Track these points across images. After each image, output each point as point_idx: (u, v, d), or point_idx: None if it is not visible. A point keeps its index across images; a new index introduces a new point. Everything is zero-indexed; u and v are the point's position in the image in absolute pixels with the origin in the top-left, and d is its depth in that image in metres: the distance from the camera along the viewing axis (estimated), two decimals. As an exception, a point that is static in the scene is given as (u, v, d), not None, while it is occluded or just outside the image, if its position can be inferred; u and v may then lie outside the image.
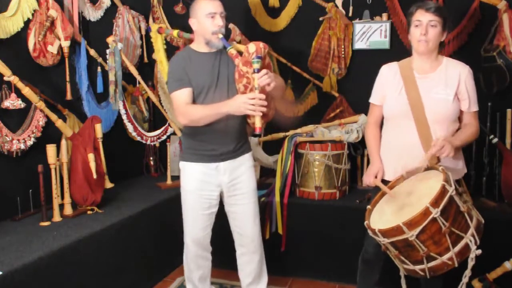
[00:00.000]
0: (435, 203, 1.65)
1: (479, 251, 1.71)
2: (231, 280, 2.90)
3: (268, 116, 2.29)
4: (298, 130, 3.21)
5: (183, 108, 2.14)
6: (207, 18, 2.14)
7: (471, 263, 1.73)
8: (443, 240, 1.69)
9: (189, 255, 2.38)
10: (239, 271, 2.47)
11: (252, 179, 2.37)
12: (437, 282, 2.26)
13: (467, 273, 1.77)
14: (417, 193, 1.84)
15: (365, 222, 1.87)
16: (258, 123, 1.96)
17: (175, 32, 3.08)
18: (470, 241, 1.72)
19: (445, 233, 1.67)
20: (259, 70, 1.96)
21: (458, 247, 1.71)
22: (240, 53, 2.14)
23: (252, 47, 1.99)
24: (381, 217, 1.87)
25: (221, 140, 2.23)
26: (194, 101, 2.20)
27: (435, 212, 1.64)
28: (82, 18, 2.99)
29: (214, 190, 2.29)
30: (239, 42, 3.25)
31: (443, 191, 1.67)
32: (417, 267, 1.78)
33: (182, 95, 2.15)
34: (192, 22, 2.22)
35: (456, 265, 1.72)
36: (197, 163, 2.26)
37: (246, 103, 1.96)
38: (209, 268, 2.46)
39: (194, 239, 2.33)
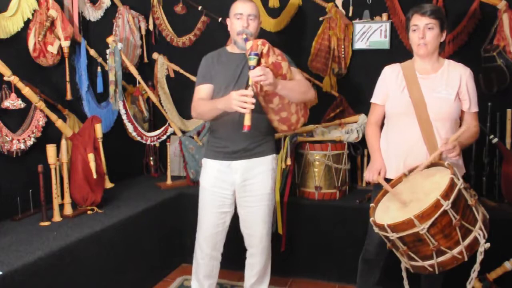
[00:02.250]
0: (446, 195, 1.65)
1: (488, 245, 1.72)
2: (231, 280, 2.90)
3: (290, 122, 2.26)
4: (298, 130, 3.22)
5: (195, 101, 2.25)
6: (235, 19, 2.22)
7: (480, 257, 1.73)
8: (454, 233, 1.69)
9: (197, 251, 2.39)
10: (245, 271, 2.46)
11: (268, 183, 2.31)
12: (437, 282, 2.26)
13: (476, 267, 1.77)
14: (423, 188, 1.84)
15: (371, 219, 1.85)
16: (247, 120, 1.90)
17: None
18: (479, 234, 1.72)
19: (456, 226, 1.67)
20: (254, 67, 1.93)
21: (467, 241, 1.71)
22: None
23: (249, 43, 1.98)
24: (387, 214, 1.86)
25: (233, 137, 2.22)
26: (213, 98, 2.24)
27: (446, 205, 1.64)
28: (82, 18, 2.99)
29: (227, 188, 2.29)
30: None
31: (452, 184, 1.68)
32: (426, 263, 1.76)
33: (200, 90, 2.26)
34: (228, 23, 2.30)
35: (466, 259, 1.71)
36: (214, 160, 2.29)
37: (236, 100, 1.92)
38: (217, 268, 2.44)
39: (204, 235, 2.33)
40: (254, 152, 2.26)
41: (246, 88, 2.00)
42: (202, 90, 2.25)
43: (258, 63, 1.97)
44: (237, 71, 2.22)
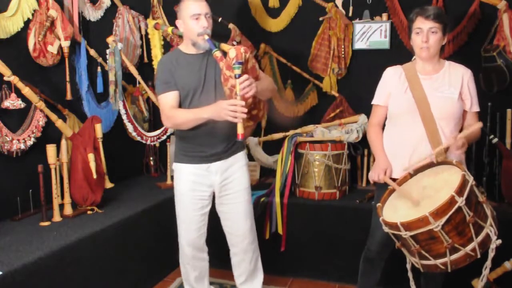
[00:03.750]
0: (459, 192, 1.65)
1: (500, 241, 1.72)
2: (231, 280, 2.89)
3: (258, 117, 2.29)
4: (298, 130, 3.21)
5: (168, 111, 2.14)
6: (191, 20, 2.13)
7: (491, 253, 1.73)
8: (467, 230, 1.68)
9: (184, 257, 2.38)
10: (233, 270, 2.46)
11: (245, 178, 2.34)
12: (437, 282, 2.26)
13: (488, 264, 1.77)
14: (432, 186, 1.84)
15: (381, 218, 1.83)
16: (240, 129, 1.93)
17: (169, 29, 3.09)
18: (490, 231, 1.72)
19: (470, 222, 1.67)
20: (240, 76, 1.93)
21: (480, 237, 1.71)
22: (226, 55, 2.11)
23: (232, 52, 1.95)
24: (396, 212, 1.85)
25: (210, 142, 2.21)
26: (181, 104, 2.19)
27: (461, 201, 1.64)
28: (82, 18, 2.99)
29: (206, 190, 2.29)
30: (239, 42, 3.25)
31: (464, 181, 1.68)
32: (438, 261, 1.74)
33: (168, 99, 2.16)
34: (179, 24, 2.21)
35: (479, 256, 1.71)
36: (189, 164, 2.26)
37: (226, 110, 1.93)
38: (206, 269, 2.45)
39: (189, 240, 2.32)
40: (229, 151, 2.28)
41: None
42: (171, 98, 2.15)
43: (242, 71, 1.97)
44: (202, 74, 2.17)
